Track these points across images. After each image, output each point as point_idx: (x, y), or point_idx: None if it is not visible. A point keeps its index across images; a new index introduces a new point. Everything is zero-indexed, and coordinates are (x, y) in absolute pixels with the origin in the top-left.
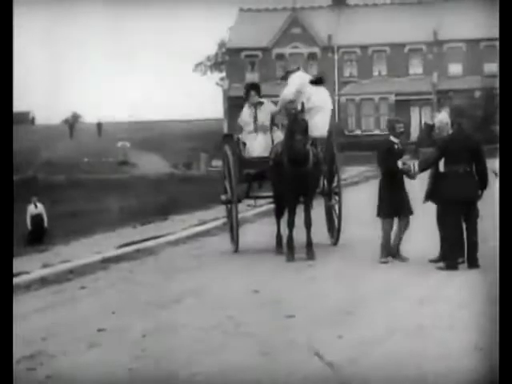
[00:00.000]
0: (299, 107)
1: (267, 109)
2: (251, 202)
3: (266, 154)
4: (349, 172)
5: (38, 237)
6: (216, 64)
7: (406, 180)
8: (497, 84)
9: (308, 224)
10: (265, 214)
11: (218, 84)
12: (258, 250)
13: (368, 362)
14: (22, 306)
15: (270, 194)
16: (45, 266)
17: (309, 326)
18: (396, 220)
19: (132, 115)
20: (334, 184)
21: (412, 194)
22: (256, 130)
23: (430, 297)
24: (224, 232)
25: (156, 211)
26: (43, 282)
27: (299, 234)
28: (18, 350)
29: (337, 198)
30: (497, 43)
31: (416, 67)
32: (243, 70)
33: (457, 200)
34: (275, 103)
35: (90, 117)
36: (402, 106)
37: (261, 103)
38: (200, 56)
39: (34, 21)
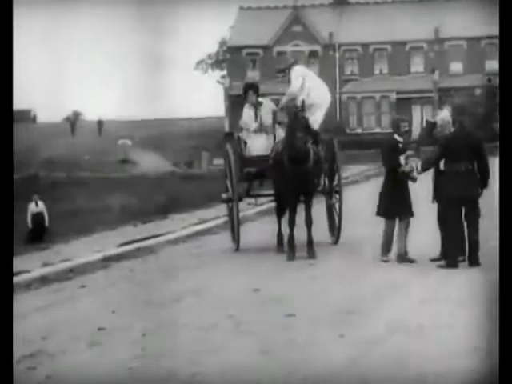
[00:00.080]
0: (299, 104)
1: (268, 108)
2: (252, 200)
3: (267, 153)
4: (350, 170)
5: (39, 235)
6: (217, 62)
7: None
8: (497, 82)
9: (309, 223)
10: (266, 213)
11: (219, 82)
12: (259, 248)
13: (368, 362)
14: (22, 305)
15: (271, 192)
16: (45, 264)
17: (309, 325)
18: (397, 221)
19: (133, 114)
20: (335, 182)
21: (414, 196)
22: (259, 130)
23: (431, 296)
24: (225, 230)
25: (157, 210)
26: (43, 280)
27: (300, 233)
28: (18, 349)
29: (337, 196)
30: (497, 41)
31: (417, 65)
32: (244, 68)
33: (458, 198)
34: (275, 101)
35: (90, 115)
36: (404, 104)
37: (260, 103)
38: (201, 54)
39: (34, 21)
